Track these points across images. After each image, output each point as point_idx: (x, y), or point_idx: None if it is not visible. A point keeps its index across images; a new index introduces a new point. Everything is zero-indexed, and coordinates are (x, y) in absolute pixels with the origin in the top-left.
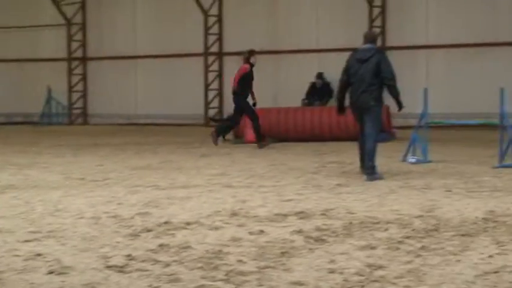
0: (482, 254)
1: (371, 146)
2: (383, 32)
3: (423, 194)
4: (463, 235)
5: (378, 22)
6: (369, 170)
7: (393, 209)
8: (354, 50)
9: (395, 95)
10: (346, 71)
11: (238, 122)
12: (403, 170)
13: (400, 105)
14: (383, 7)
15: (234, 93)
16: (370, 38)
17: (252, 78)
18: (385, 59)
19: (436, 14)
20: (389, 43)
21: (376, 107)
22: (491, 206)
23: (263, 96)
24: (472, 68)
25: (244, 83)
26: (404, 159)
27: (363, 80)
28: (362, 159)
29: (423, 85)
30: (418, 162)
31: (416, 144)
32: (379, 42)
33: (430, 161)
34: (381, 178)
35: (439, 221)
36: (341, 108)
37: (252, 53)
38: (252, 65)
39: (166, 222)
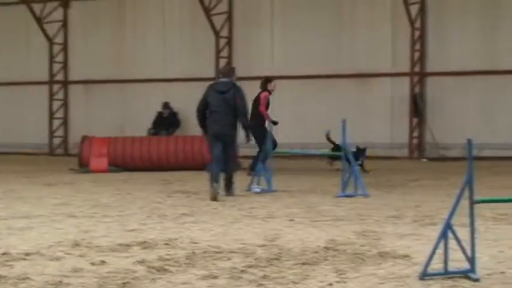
0: (322, 282)
1: (234, 167)
2: (229, 63)
3: (267, 223)
4: (304, 264)
5: (224, 53)
6: (229, 186)
7: (237, 239)
8: (212, 83)
9: (245, 127)
10: (204, 100)
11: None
12: (248, 200)
13: (248, 137)
14: (229, 38)
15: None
16: (226, 73)
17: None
18: (240, 93)
19: (281, 46)
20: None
21: (235, 135)
22: (333, 235)
23: (109, 125)
24: (317, 99)
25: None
26: (249, 189)
27: (223, 110)
28: (213, 180)
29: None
30: (262, 191)
31: (261, 174)
32: None
33: (274, 191)
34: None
35: (281, 250)
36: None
37: (270, 79)
38: (270, 92)
39: (4, 253)
